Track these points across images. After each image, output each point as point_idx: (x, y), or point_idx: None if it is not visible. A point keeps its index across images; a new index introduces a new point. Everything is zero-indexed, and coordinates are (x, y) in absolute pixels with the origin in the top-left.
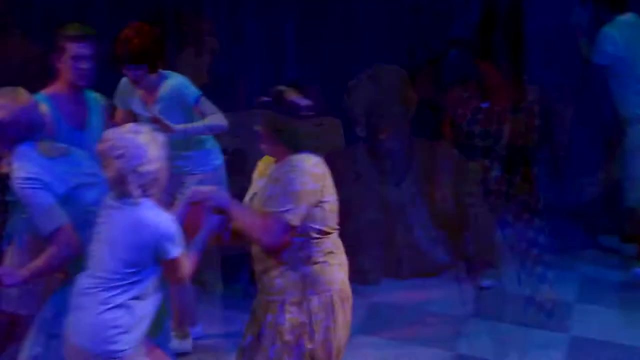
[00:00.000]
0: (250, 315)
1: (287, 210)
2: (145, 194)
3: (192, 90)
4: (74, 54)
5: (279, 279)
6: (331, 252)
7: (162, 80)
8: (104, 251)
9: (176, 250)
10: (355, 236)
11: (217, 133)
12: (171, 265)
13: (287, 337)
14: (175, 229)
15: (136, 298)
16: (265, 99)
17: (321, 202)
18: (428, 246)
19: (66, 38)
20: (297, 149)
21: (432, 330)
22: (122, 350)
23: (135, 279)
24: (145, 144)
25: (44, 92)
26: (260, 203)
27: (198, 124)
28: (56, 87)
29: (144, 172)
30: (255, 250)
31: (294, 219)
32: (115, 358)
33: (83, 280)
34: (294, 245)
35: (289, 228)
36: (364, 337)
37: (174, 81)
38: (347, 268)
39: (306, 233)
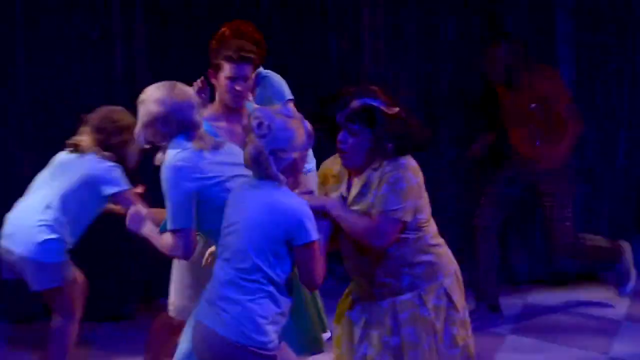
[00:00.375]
0: (355, 325)
1: (398, 209)
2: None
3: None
4: (231, 75)
5: (406, 275)
6: (436, 234)
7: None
8: (243, 238)
9: (313, 234)
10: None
11: None
12: (307, 252)
13: (438, 325)
14: (311, 213)
15: (278, 287)
16: (362, 100)
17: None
18: None
19: (224, 57)
20: (402, 149)
21: (584, 332)
22: (270, 342)
23: (276, 267)
24: (292, 129)
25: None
26: (358, 207)
27: None
28: (214, 108)
29: (284, 158)
30: (369, 257)
31: (406, 216)
32: (262, 349)
33: (223, 271)
34: (409, 240)
35: (400, 225)
36: (516, 337)
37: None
38: None
39: (418, 224)
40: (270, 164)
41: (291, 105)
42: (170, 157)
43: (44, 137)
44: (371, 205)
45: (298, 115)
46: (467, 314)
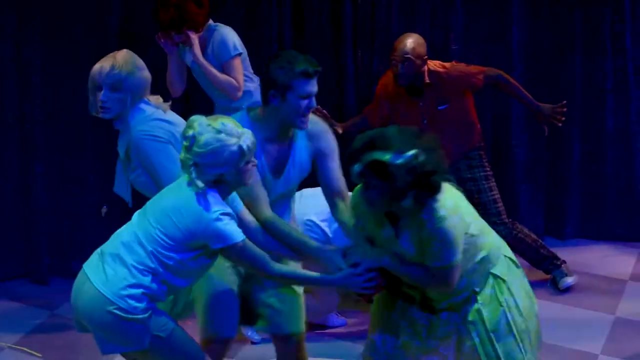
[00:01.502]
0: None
1: (454, 259)
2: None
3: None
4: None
5: (461, 279)
6: (480, 227)
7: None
8: (149, 215)
9: (229, 239)
10: None
11: (227, 94)
12: (230, 251)
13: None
14: (223, 220)
15: (166, 270)
16: (371, 156)
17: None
18: None
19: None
20: (423, 197)
21: (589, 292)
22: (139, 309)
23: (170, 252)
24: (221, 146)
25: None
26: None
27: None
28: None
29: (208, 172)
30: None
31: (460, 258)
32: (128, 313)
33: (126, 231)
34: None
35: (458, 268)
36: None
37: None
38: None
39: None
40: (191, 174)
41: (238, 61)
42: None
43: None
44: (429, 258)
45: (239, 131)
46: (524, 297)
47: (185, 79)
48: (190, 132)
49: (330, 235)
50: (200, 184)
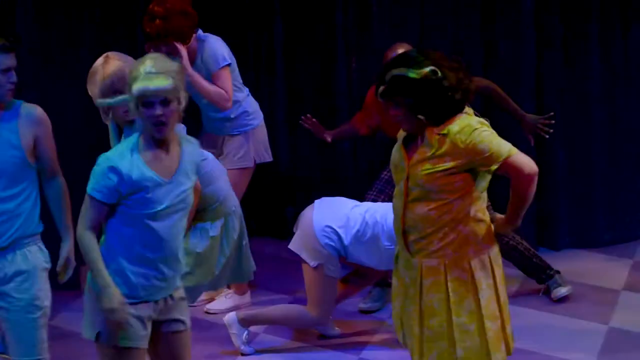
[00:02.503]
0: (397, 284)
1: (508, 147)
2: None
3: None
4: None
5: (437, 241)
6: (483, 209)
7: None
8: None
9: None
10: None
11: (216, 105)
12: None
13: (453, 297)
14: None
15: None
16: (391, 72)
17: None
18: None
19: None
20: (440, 114)
21: (582, 302)
22: None
23: None
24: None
25: None
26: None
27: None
28: None
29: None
30: (412, 218)
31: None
32: None
33: None
34: (454, 207)
35: (519, 152)
36: (515, 308)
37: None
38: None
39: (472, 193)
40: None
41: (227, 71)
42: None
43: None
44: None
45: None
46: (491, 295)
47: None
48: None
49: (346, 242)
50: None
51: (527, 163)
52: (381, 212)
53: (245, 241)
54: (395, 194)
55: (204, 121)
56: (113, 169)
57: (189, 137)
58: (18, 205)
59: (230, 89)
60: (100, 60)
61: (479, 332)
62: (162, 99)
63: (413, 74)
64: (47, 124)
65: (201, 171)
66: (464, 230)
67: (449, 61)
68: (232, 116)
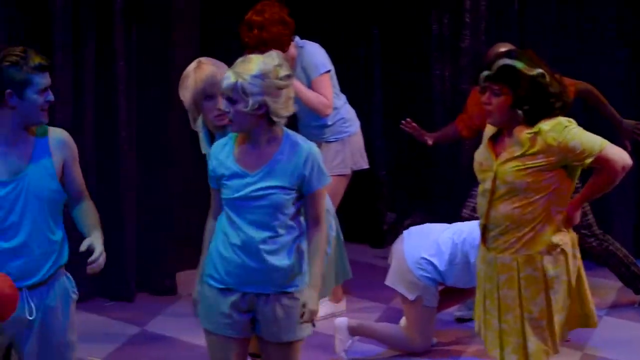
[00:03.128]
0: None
1: (599, 142)
2: None
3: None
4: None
5: (514, 239)
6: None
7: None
8: None
9: None
10: None
11: (317, 111)
12: None
13: (525, 294)
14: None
15: None
16: (504, 61)
17: None
18: None
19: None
20: (536, 113)
21: None
22: None
23: None
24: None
25: None
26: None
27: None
28: None
29: None
30: (495, 216)
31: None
32: None
33: None
34: (539, 205)
35: (611, 145)
36: None
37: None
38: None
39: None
40: None
41: (327, 77)
42: None
43: None
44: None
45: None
46: (564, 290)
47: None
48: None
49: (441, 268)
50: None
51: (619, 155)
52: (467, 230)
53: (342, 239)
54: (479, 192)
55: (300, 128)
56: (211, 155)
57: (305, 141)
58: (62, 235)
59: (331, 95)
60: (192, 65)
61: (548, 326)
62: (226, 96)
63: (524, 69)
64: (75, 148)
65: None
66: (541, 229)
67: (556, 74)
68: (329, 123)
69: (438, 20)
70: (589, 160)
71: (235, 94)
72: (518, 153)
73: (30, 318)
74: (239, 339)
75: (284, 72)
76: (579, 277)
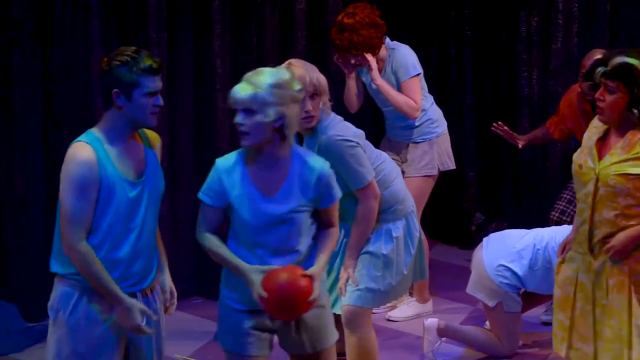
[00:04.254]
0: (562, 294)
1: None
2: None
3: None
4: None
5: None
6: None
7: None
8: None
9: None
10: None
11: (405, 114)
12: None
13: (635, 298)
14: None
15: None
16: (623, 58)
17: None
18: None
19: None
20: None
21: None
22: None
23: None
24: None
25: None
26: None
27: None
28: None
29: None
30: (599, 221)
31: None
32: None
33: None
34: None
35: None
36: None
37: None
38: None
39: None
40: None
41: (416, 80)
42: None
43: None
44: None
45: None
46: None
47: (362, 96)
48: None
49: (520, 273)
50: None
51: None
52: (549, 235)
53: (421, 239)
54: (579, 198)
55: (387, 128)
56: (220, 172)
57: (314, 159)
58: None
59: (420, 98)
60: (284, 66)
61: None
62: (243, 108)
63: None
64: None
65: (379, 175)
66: None
67: None
68: (417, 124)
69: (526, 22)
70: None
71: (255, 105)
72: (625, 156)
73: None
74: (262, 357)
75: (297, 85)
76: None
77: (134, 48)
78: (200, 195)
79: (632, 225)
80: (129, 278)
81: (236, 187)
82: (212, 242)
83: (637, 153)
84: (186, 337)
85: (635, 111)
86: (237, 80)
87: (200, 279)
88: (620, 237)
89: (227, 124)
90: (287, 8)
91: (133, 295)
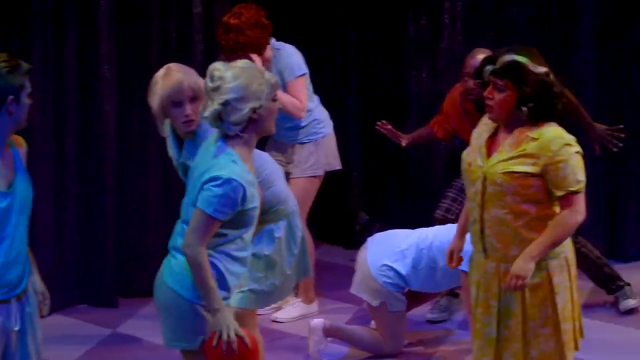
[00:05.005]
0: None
1: (582, 181)
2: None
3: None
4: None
5: (515, 247)
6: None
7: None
8: (187, 192)
9: (205, 208)
10: None
11: (290, 114)
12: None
13: (530, 301)
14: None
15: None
16: (511, 56)
17: None
18: None
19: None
20: (540, 113)
21: None
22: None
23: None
24: (245, 78)
25: None
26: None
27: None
28: None
29: (238, 108)
30: (489, 220)
31: (584, 183)
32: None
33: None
34: (530, 213)
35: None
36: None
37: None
38: None
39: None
40: (226, 116)
41: (302, 81)
42: None
43: None
44: (559, 182)
45: (256, 65)
46: (567, 297)
47: None
48: (217, 74)
49: (403, 273)
50: (235, 127)
51: (583, 207)
52: (433, 235)
53: (303, 236)
54: (469, 197)
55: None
56: (244, 182)
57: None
58: None
59: (305, 98)
60: (161, 72)
61: (555, 335)
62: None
63: (531, 66)
64: None
65: (261, 175)
66: None
67: (557, 74)
68: (303, 124)
69: (415, 22)
70: (559, 193)
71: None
72: (511, 154)
73: (16, 329)
74: None
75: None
76: (575, 289)
77: (4, 53)
78: (216, 214)
79: (520, 224)
80: (4, 287)
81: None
82: (205, 259)
83: (523, 150)
84: (70, 342)
85: (524, 109)
86: (125, 84)
87: (84, 284)
88: (515, 267)
89: (113, 128)
90: (184, 12)
91: (7, 301)
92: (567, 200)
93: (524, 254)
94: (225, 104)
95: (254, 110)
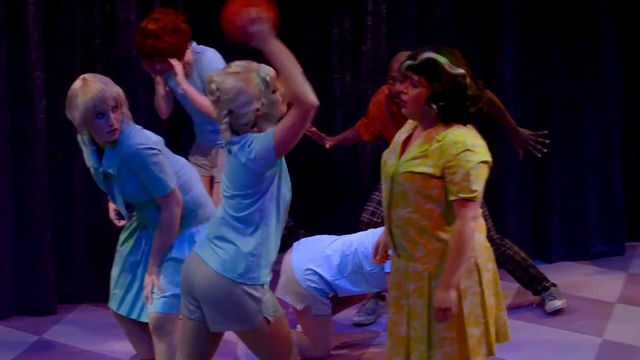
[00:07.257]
0: (393, 289)
1: (477, 190)
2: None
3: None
4: None
5: (421, 247)
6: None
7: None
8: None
9: None
10: None
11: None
12: None
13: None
14: None
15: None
16: (429, 54)
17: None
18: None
19: None
20: (451, 113)
21: (576, 314)
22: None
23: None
24: (241, 82)
25: None
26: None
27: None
28: None
29: (243, 112)
30: (396, 219)
31: (481, 191)
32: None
33: (222, 209)
34: (435, 212)
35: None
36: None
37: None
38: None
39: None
40: (231, 123)
41: None
42: None
43: None
44: (434, 174)
45: (254, 65)
46: (476, 302)
47: (172, 102)
48: (214, 86)
49: (328, 278)
50: (245, 127)
51: (476, 213)
52: (357, 240)
53: None
54: (382, 196)
55: (196, 132)
56: None
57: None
58: None
59: None
60: (78, 84)
61: (459, 339)
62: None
63: (447, 66)
64: None
65: (180, 180)
66: (448, 239)
67: (477, 79)
68: None
69: (339, 25)
70: (452, 198)
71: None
72: (414, 154)
73: None
74: None
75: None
76: (488, 294)
77: None
78: None
79: (426, 224)
80: None
81: None
82: None
83: (425, 151)
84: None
85: (434, 107)
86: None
87: (19, 295)
88: (436, 302)
89: (45, 135)
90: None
91: None
92: (458, 206)
93: (439, 285)
94: (230, 113)
95: (257, 109)
